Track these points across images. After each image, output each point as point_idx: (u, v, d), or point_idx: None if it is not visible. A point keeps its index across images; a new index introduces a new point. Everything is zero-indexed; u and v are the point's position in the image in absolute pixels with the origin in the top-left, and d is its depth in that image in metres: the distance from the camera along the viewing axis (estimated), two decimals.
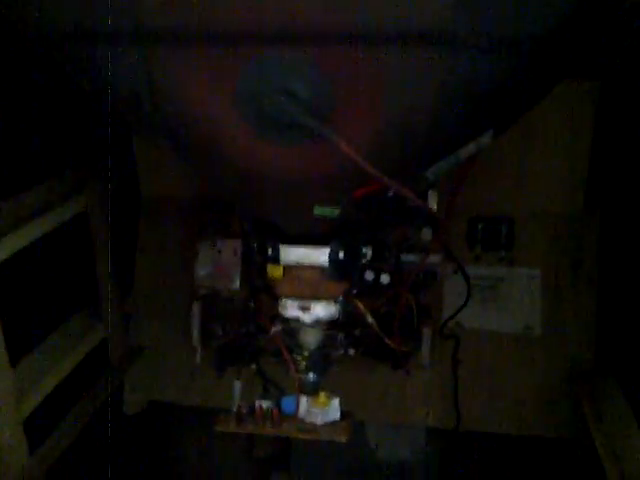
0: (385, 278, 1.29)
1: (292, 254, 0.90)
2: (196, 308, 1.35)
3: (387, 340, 1.06)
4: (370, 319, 1.02)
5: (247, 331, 1.35)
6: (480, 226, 1.36)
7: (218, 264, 1.37)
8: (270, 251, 0.91)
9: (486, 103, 0.74)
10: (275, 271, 0.91)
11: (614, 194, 1.33)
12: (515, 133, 0.86)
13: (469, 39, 0.66)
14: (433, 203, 1.27)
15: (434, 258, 1.30)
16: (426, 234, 1.30)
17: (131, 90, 0.75)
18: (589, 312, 1.33)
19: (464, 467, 1.45)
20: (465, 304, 1.27)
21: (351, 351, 1.31)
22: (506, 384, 1.35)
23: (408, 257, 1.32)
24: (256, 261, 1.19)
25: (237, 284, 1.36)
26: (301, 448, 1.42)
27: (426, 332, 1.30)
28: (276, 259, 0.90)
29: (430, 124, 0.73)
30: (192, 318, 1.35)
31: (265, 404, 0.96)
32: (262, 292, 1.22)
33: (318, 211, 0.84)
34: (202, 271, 1.36)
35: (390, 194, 0.84)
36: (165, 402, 1.42)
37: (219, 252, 1.36)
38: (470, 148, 0.82)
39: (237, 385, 1.00)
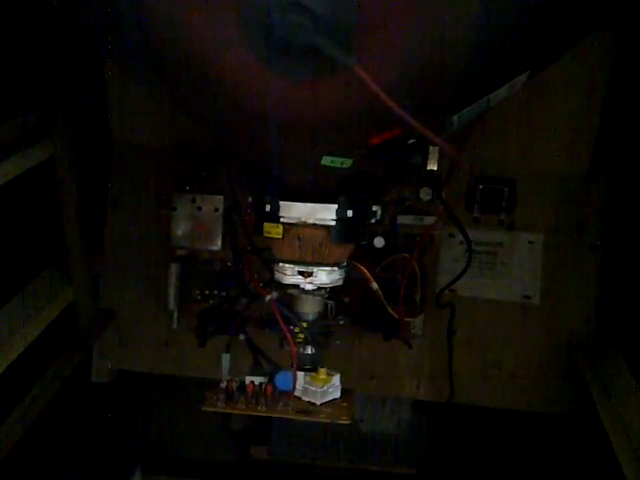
0: (379, 241, 1.20)
1: (294, 211, 0.79)
2: (174, 269, 1.24)
3: (391, 310, 0.96)
4: (375, 285, 0.92)
5: (228, 296, 1.25)
6: (480, 187, 1.26)
7: (198, 222, 1.26)
8: (268, 207, 0.80)
9: (528, 36, 0.64)
10: (273, 230, 0.80)
11: (622, 156, 1.25)
12: (524, 89, 0.76)
13: None
14: (433, 161, 1.18)
15: (432, 220, 1.22)
16: (425, 194, 1.22)
17: (118, 13, 0.63)
18: (591, 282, 1.26)
19: (453, 442, 1.39)
20: (465, 271, 1.18)
21: (341, 320, 1.23)
22: (502, 356, 1.28)
23: (405, 219, 1.23)
24: (243, 219, 1.10)
25: (219, 244, 1.25)
26: (282, 420, 1.33)
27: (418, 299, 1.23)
28: (275, 217, 0.80)
29: (464, 60, 0.63)
30: (169, 280, 1.25)
31: (257, 380, 0.86)
32: (250, 254, 1.11)
33: (327, 161, 0.73)
34: (180, 230, 1.26)
35: (410, 142, 0.74)
36: (137, 371, 1.32)
37: (199, 209, 1.26)
38: (502, 92, 0.72)
39: (226, 358, 0.89)
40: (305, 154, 0.74)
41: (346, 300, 1.22)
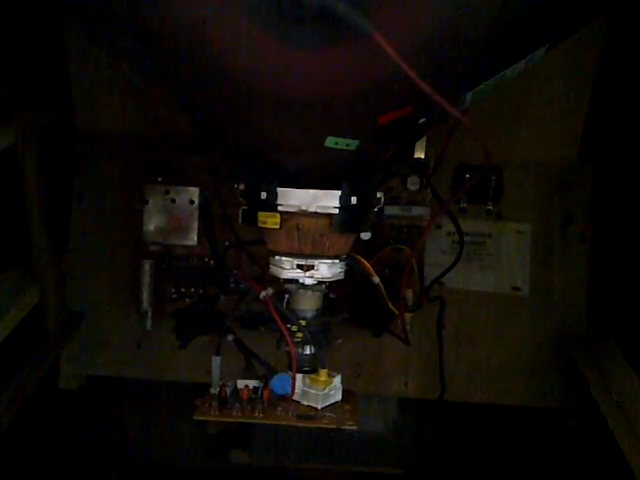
0: (365, 234, 1.15)
1: (293, 198, 0.72)
2: (147, 267, 1.16)
3: (391, 305, 0.91)
4: (376, 279, 0.86)
5: (205, 294, 1.18)
6: (467, 176, 1.22)
7: (171, 216, 1.18)
8: (264, 195, 0.73)
9: (549, 9, 0.59)
10: (269, 220, 0.74)
11: (610, 145, 1.22)
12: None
13: None
14: (420, 149, 1.14)
15: (420, 211, 1.17)
16: (413, 184, 1.17)
17: None
18: (581, 271, 1.23)
19: (443, 440, 1.35)
20: (456, 262, 1.13)
21: (344, 315, 1.17)
22: (490, 350, 1.24)
23: (392, 209, 1.18)
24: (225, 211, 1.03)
25: (195, 239, 1.17)
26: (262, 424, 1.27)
27: (408, 295, 1.17)
28: (272, 205, 0.73)
29: (488, 30, 0.58)
30: (142, 278, 1.16)
31: (251, 384, 0.79)
32: (235, 249, 1.03)
33: (331, 143, 0.67)
34: (152, 224, 1.17)
35: (421, 122, 0.68)
36: (107, 377, 1.23)
37: (172, 201, 1.17)
38: (519, 66, 0.67)
39: (216, 361, 0.81)
40: (306, 135, 0.67)
41: (332, 296, 1.17)
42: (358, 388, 1.23)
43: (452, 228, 1.17)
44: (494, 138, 1.21)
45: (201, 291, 1.19)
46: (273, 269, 0.78)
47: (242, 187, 0.78)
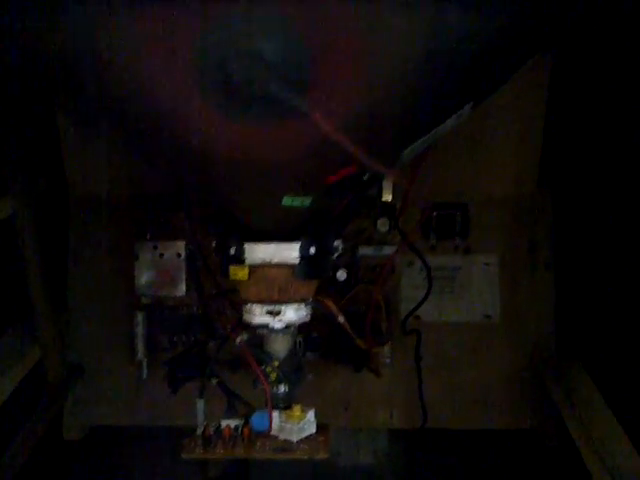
0: (342, 274, 1.23)
1: (259, 252, 0.81)
2: (140, 318, 1.24)
3: (359, 342, 0.98)
4: (341, 319, 0.94)
5: (196, 341, 1.26)
6: (434, 214, 1.31)
7: (161, 269, 1.27)
8: (233, 250, 0.82)
9: (471, 69, 0.68)
10: (239, 272, 0.82)
11: (567, 174, 1.31)
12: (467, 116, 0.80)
13: None
14: (388, 192, 1.22)
15: (391, 250, 1.25)
16: (382, 225, 1.25)
17: (72, 62, 0.65)
18: (548, 296, 1.30)
19: (432, 467, 1.40)
20: (426, 297, 1.21)
21: (310, 354, 1.24)
22: (469, 376, 1.31)
23: (365, 250, 1.26)
24: (206, 264, 1.11)
25: (183, 290, 1.26)
26: (259, 464, 1.33)
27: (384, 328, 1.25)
28: (240, 259, 0.81)
29: (413, 96, 0.67)
30: (136, 330, 1.24)
31: (233, 423, 0.86)
32: (217, 297, 1.12)
33: (287, 202, 0.76)
34: (143, 278, 1.26)
35: (365, 177, 0.77)
36: (109, 425, 1.30)
37: (161, 255, 1.26)
38: (450, 123, 0.76)
39: (200, 404, 0.89)
40: (266, 196, 0.76)
41: (314, 335, 1.25)
42: (346, 421, 1.32)
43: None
44: (456, 175, 1.30)
45: (192, 338, 1.27)
46: (246, 316, 0.86)
47: (214, 243, 0.86)
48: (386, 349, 1.25)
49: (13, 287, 1.16)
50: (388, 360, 1.27)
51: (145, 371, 1.26)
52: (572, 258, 1.32)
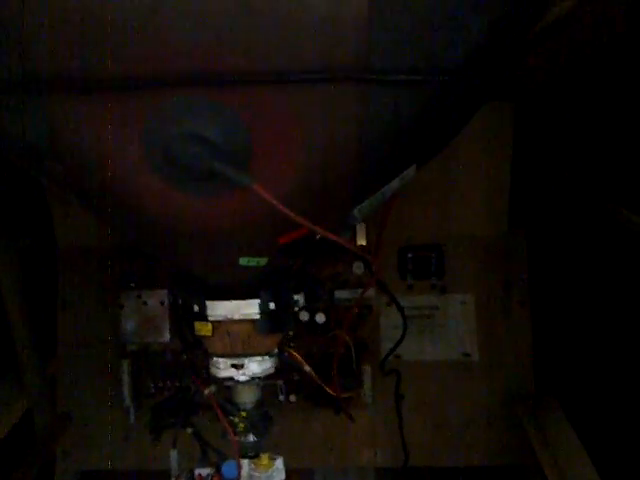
0: (320, 317, 1.27)
1: (220, 309, 0.84)
2: (125, 366, 1.28)
3: (327, 388, 1.01)
4: (307, 368, 0.97)
5: (181, 386, 1.29)
6: (410, 255, 1.34)
7: (145, 316, 1.31)
8: (196, 307, 0.86)
9: (408, 138, 0.72)
10: (203, 328, 0.86)
11: (537, 212, 1.34)
12: (435, 160, 0.84)
13: (386, 74, 0.64)
14: (362, 237, 1.26)
15: (367, 292, 1.28)
16: (358, 268, 1.29)
17: (31, 144, 0.70)
18: (524, 334, 1.33)
19: None
20: (402, 338, 1.25)
21: (292, 397, 1.28)
22: (449, 414, 1.33)
23: (342, 293, 1.30)
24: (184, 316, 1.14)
25: (167, 336, 1.30)
26: None
27: (366, 370, 1.28)
28: (203, 316, 0.85)
29: (353, 164, 0.71)
30: (122, 377, 1.28)
31: (205, 472, 0.89)
32: (195, 347, 1.16)
33: (244, 262, 0.80)
34: (129, 325, 1.30)
35: (318, 236, 0.81)
36: (100, 471, 1.33)
37: (145, 303, 1.31)
38: (394, 184, 0.80)
39: (173, 455, 0.93)
40: (223, 257, 0.80)
41: (296, 378, 1.28)
42: (331, 461, 1.35)
43: (404, 304, 1.29)
44: (431, 218, 1.34)
45: (177, 384, 1.30)
46: (212, 369, 0.89)
47: (180, 301, 0.90)
48: (366, 390, 1.28)
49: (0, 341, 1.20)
50: (370, 399, 1.30)
51: (132, 417, 1.30)
52: (548, 295, 1.35)
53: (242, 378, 0.87)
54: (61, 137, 0.68)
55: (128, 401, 1.29)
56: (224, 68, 0.62)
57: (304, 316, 1.26)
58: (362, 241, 1.26)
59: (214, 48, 0.62)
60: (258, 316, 0.84)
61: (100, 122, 0.66)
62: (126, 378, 1.29)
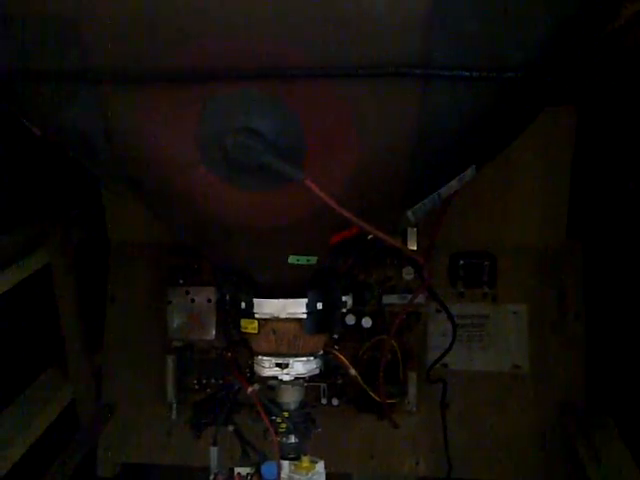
0: (367, 322, 1.25)
1: (267, 307, 0.83)
2: (170, 362, 1.28)
3: (372, 393, 0.99)
4: (353, 372, 0.96)
5: (224, 384, 1.29)
6: (461, 262, 1.31)
7: (192, 313, 1.31)
8: (243, 304, 0.85)
9: (467, 138, 0.70)
10: (249, 326, 0.85)
11: (596, 223, 1.29)
12: (492, 165, 0.81)
13: (447, 70, 0.62)
14: (412, 241, 1.23)
15: (417, 298, 1.26)
16: (407, 274, 1.27)
17: (85, 134, 0.70)
18: (578, 347, 1.29)
19: None
20: (451, 347, 1.21)
21: (335, 401, 1.26)
22: (496, 427, 1.29)
23: (390, 298, 1.28)
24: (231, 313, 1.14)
25: (212, 334, 1.30)
26: None
27: (412, 377, 1.26)
28: (250, 313, 0.84)
29: (408, 163, 0.69)
30: (166, 372, 1.29)
31: (244, 471, 0.88)
32: (240, 345, 1.15)
33: (293, 260, 0.78)
34: (175, 322, 1.31)
35: (369, 237, 0.79)
36: (141, 464, 1.34)
37: (192, 300, 1.31)
38: (452, 185, 0.77)
39: (213, 452, 0.92)
40: (271, 255, 0.79)
41: (339, 381, 1.26)
42: (372, 470, 1.32)
43: (454, 311, 1.25)
44: (485, 226, 1.30)
45: (220, 381, 1.30)
46: (256, 368, 0.88)
47: (227, 297, 0.89)
48: (410, 398, 1.25)
49: (49, 330, 1.21)
50: (414, 408, 1.27)
51: (175, 412, 1.30)
52: (604, 309, 1.30)
53: (286, 377, 0.86)
54: (116, 129, 0.68)
55: (171, 397, 1.30)
56: (282, 63, 0.61)
57: (350, 320, 1.24)
58: (413, 246, 1.23)
59: (272, 43, 0.61)
60: (305, 315, 0.83)
61: (155, 114, 0.66)
62: (170, 374, 1.29)
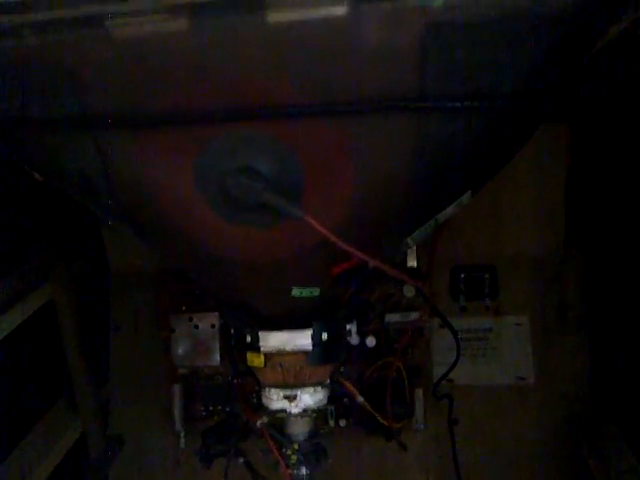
0: (371, 341, 1.25)
1: (272, 340, 0.84)
2: (176, 390, 1.28)
3: (379, 418, 0.99)
4: (360, 399, 0.96)
5: (231, 411, 1.28)
6: (462, 276, 1.31)
7: (196, 340, 1.31)
8: (249, 338, 0.85)
9: (462, 165, 0.71)
10: (256, 359, 0.85)
11: (594, 232, 1.30)
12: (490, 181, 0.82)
13: (441, 101, 0.63)
14: (412, 257, 1.23)
15: (419, 315, 1.26)
16: (409, 291, 1.27)
17: (85, 178, 0.71)
18: (581, 356, 1.29)
19: None
20: (456, 362, 1.21)
21: (342, 422, 1.26)
22: (504, 440, 1.29)
23: (392, 317, 1.28)
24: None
25: (217, 359, 1.29)
26: None
27: (418, 394, 1.26)
28: (256, 347, 0.85)
29: (405, 194, 0.70)
30: (173, 401, 1.29)
31: None
32: (246, 374, 1.15)
33: (296, 293, 0.79)
34: (180, 349, 1.30)
35: (370, 266, 0.79)
36: None
37: (196, 327, 1.30)
38: (449, 211, 0.78)
39: None
40: (276, 288, 0.80)
41: (346, 403, 1.26)
42: None
43: (457, 326, 1.25)
44: (484, 239, 1.31)
45: (227, 408, 1.30)
46: (264, 400, 0.88)
47: (232, 331, 0.90)
48: (418, 415, 1.25)
49: (55, 366, 1.22)
50: (422, 426, 1.27)
51: (183, 440, 1.30)
52: (606, 318, 1.30)
53: (295, 410, 0.86)
54: (116, 173, 0.68)
55: (179, 425, 1.29)
56: (276, 102, 0.62)
57: (354, 340, 1.24)
58: (412, 262, 1.24)
59: (266, 82, 0.61)
60: (311, 347, 0.83)
61: (154, 158, 0.67)
62: (177, 402, 1.29)
